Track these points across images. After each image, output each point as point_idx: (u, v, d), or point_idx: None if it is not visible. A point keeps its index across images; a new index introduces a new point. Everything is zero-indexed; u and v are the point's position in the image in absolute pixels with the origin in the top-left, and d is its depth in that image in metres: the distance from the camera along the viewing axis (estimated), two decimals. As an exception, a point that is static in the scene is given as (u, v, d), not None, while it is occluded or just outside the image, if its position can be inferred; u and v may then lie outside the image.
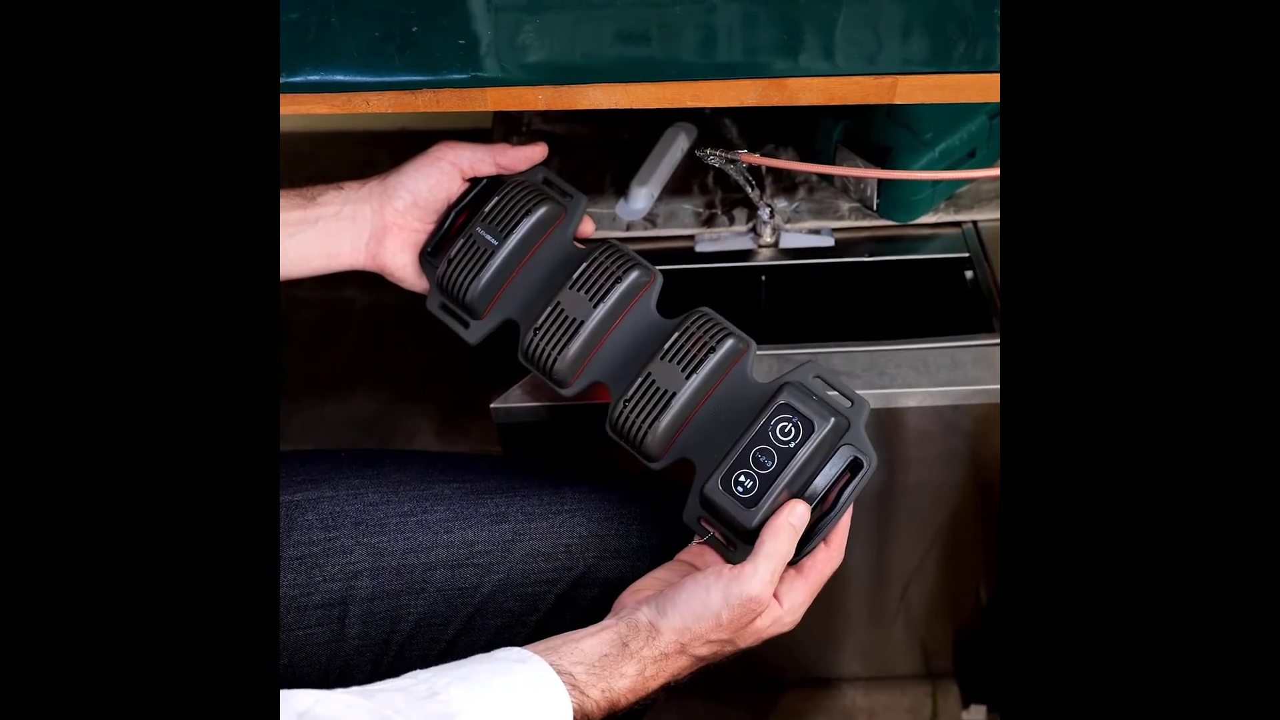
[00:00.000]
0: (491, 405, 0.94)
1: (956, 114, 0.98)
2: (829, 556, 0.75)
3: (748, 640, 0.73)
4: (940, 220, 1.04)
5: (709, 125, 1.11)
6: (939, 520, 1.12)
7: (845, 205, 1.05)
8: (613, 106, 0.80)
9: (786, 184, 1.07)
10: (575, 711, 0.66)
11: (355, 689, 0.63)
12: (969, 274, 1.01)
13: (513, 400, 0.94)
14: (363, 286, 1.66)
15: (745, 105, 0.79)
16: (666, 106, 0.80)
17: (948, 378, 0.94)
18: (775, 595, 0.72)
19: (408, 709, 0.61)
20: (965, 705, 1.31)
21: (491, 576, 0.82)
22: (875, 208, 1.03)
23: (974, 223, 1.03)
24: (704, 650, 0.72)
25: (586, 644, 0.70)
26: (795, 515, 0.72)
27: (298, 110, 0.80)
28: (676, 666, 0.72)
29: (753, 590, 0.70)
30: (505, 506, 0.84)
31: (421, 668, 0.79)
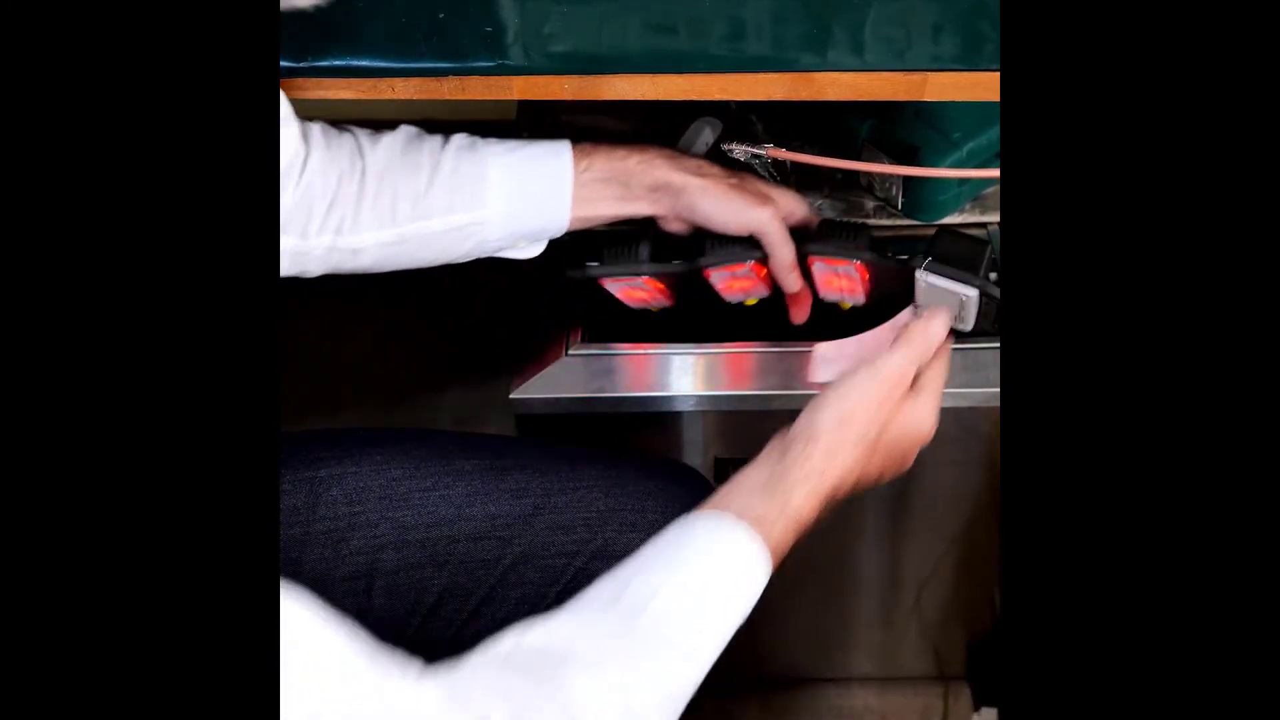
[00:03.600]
0: (511, 395, 0.94)
1: (985, 114, 0.97)
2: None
3: (896, 430, 0.74)
4: (965, 221, 1.03)
5: (735, 121, 1.11)
6: (955, 523, 1.11)
7: (869, 204, 1.04)
8: (639, 97, 0.80)
9: (811, 182, 1.06)
10: (770, 548, 0.67)
11: (554, 612, 0.64)
12: (993, 276, 1.00)
13: (532, 391, 0.94)
14: (380, 279, 1.65)
15: (773, 99, 0.79)
16: (693, 99, 0.79)
17: (967, 380, 0.93)
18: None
19: (606, 624, 0.63)
20: (976, 708, 1.31)
21: (512, 549, 0.82)
22: (900, 207, 1.03)
23: (999, 224, 1.03)
24: (865, 429, 0.72)
25: (749, 476, 0.71)
26: (937, 323, 0.77)
27: (323, 95, 0.80)
28: (842, 461, 0.71)
29: (894, 361, 0.73)
30: (525, 483, 0.84)
31: (445, 639, 0.81)
